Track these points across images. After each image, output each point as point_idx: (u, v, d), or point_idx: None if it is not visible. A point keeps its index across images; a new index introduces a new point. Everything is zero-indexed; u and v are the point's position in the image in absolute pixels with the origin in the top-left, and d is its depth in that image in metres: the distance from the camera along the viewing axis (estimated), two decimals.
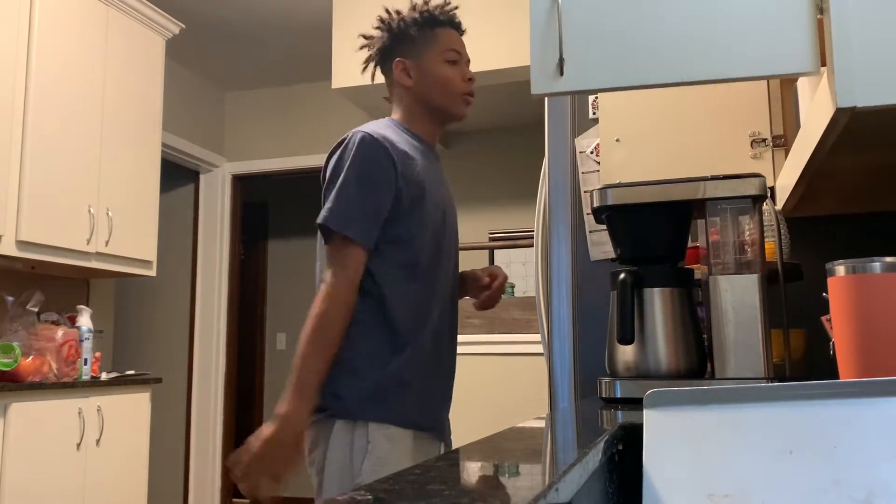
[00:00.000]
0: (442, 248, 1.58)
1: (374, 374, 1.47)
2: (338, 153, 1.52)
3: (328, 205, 1.48)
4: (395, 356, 1.48)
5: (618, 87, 0.97)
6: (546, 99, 1.93)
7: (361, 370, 1.47)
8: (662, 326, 1.23)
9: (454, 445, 1.66)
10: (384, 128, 1.56)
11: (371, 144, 1.48)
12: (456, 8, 1.68)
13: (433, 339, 1.54)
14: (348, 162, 1.48)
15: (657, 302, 1.24)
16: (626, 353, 1.24)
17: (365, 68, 1.71)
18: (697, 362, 1.24)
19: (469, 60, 1.66)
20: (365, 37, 1.69)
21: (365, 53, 1.70)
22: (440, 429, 1.57)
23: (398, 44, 1.64)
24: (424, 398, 1.52)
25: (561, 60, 0.96)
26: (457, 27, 1.66)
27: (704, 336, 1.26)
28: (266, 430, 1.44)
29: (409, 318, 1.50)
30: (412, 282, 1.52)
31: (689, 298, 1.26)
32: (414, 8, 1.64)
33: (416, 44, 1.62)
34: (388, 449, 1.42)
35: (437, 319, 1.55)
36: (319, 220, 1.47)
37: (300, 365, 1.44)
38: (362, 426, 1.43)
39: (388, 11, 1.66)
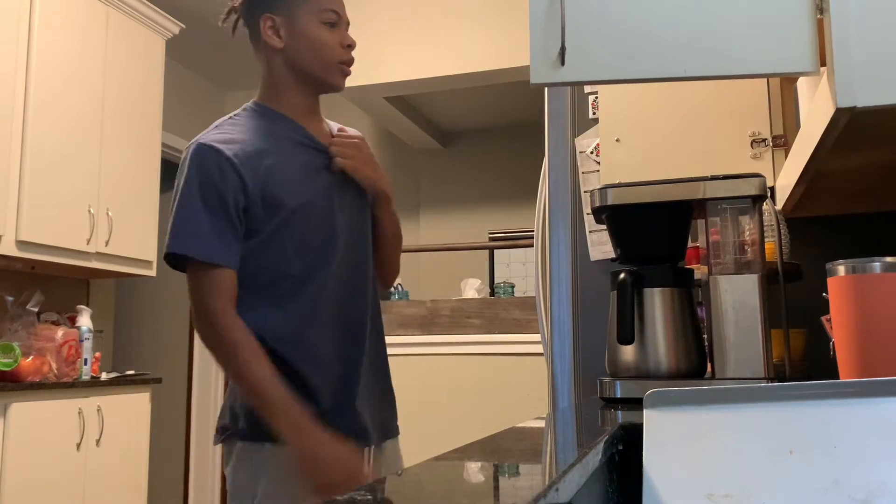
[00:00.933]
0: (309, 243, 1.38)
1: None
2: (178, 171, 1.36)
3: (173, 229, 1.31)
4: (278, 367, 1.31)
5: (618, 79, 0.97)
6: (546, 98, 1.93)
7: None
8: (662, 326, 1.23)
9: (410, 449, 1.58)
10: (231, 125, 1.39)
11: (209, 164, 1.31)
12: None
13: (328, 343, 1.37)
14: (183, 179, 1.32)
15: (657, 302, 1.24)
16: (626, 353, 1.24)
17: (224, 20, 1.47)
18: (697, 362, 1.24)
19: (348, 23, 1.44)
20: None
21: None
22: (362, 434, 1.37)
23: None
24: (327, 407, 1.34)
25: (563, 49, 0.96)
26: None
27: (704, 336, 1.26)
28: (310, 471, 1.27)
29: (283, 327, 1.35)
30: (279, 295, 1.36)
31: (690, 298, 1.26)
32: None
33: (284, 1, 1.39)
34: (287, 467, 1.27)
35: (328, 318, 1.37)
36: (168, 248, 1.31)
37: (250, 396, 1.30)
38: (259, 447, 1.30)
39: None
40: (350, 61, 1.43)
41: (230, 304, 1.34)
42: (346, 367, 1.39)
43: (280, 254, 1.35)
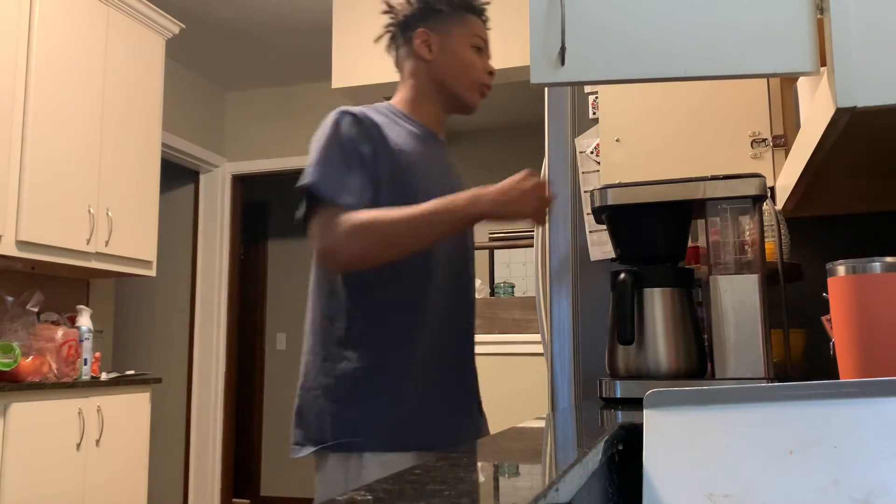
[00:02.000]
0: (441, 248, 1.43)
1: (362, 398, 1.34)
2: (317, 134, 1.42)
3: (314, 168, 1.34)
4: (384, 373, 1.35)
5: (618, 79, 0.97)
6: (546, 97, 1.93)
7: (347, 395, 1.34)
8: (662, 326, 1.23)
9: None
10: (373, 110, 1.46)
11: (347, 122, 1.39)
12: (488, 3, 1.59)
13: (434, 343, 1.41)
14: (327, 136, 1.38)
15: (657, 302, 1.24)
16: (626, 353, 1.24)
17: (380, 37, 1.59)
18: (697, 362, 1.24)
19: (490, 55, 1.57)
20: (388, 3, 1.58)
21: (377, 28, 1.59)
22: (457, 440, 1.39)
23: (426, 14, 1.53)
24: (427, 413, 1.38)
25: (563, 49, 0.96)
26: (485, 21, 1.59)
27: (704, 336, 1.26)
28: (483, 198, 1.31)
29: (397, 328, 1.38)
30: (396, 282, 1.38)
31: (689, 298, 1.26)
32: None
33: (445, 19, 1.52)
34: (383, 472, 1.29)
35: (437, 322, 1.42)
36: (307, 180, 1.33)
37: (419, 231, 1.31)
38: (356, 458, 1.31)
39: None
40: (489, 86, 1.55)
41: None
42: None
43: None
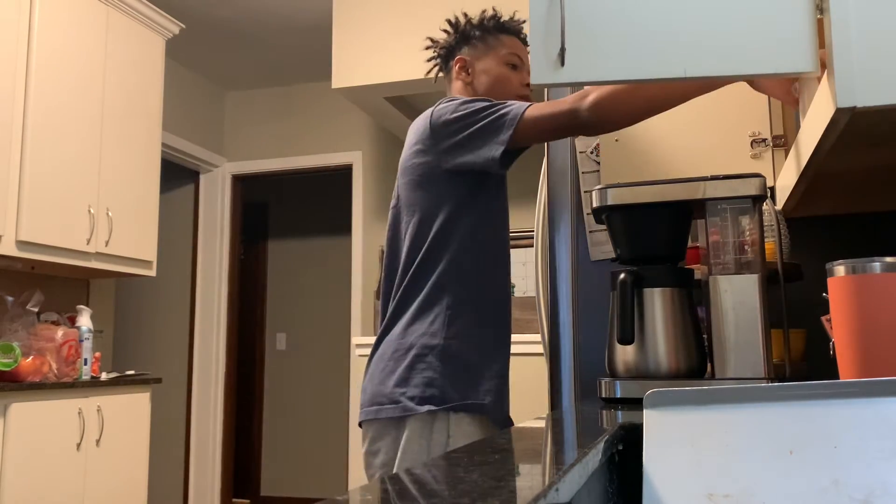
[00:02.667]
0: (505, 237, 1.63)
1: (469, 361, 1.48)
2: (448, 104, 1.55)
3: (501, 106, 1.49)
4: (488, 342, 1.53)
5: (619, 79, 0.97)
6: (546, 98, 1.93)
7: (456, 357, 1.48)
8: (662, 326, 1.23)
9: None
10: None
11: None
12: (524, 22, 1.69)
13: (506, 323, 1.59)
14: (471, 107, 1.51)
15: (657, 302, 1.24)
16: (626, 353, 1.24)
17: (430, 70, 1.79)
18: (697, 362, 1.24)
19: (530, 71, 1.65)
20: (432, 39, 1.78)
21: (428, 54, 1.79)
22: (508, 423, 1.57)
23: (462, 43, 1.71)
24: (504, 387, 1.55)
25: (563, 50, 0.96)
26: (523, 39, 1.72)
27: (704, 336, 1.26)
28: None
29: (494, 298, 1.56)
30: (494, 257, 1.57)
31: (690, 298, 1.26)
32: (483, 14, 1.72)
33: (479, 45, 1.70)
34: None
35: (507, 312, 1.60)
36: (510, 111, 1.46)
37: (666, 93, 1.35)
38: (443, 418, 1.42)
39: (456, 16, 1.74)
40: (526, 97, 1.67)
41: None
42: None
43: (497, 217, 1.60)
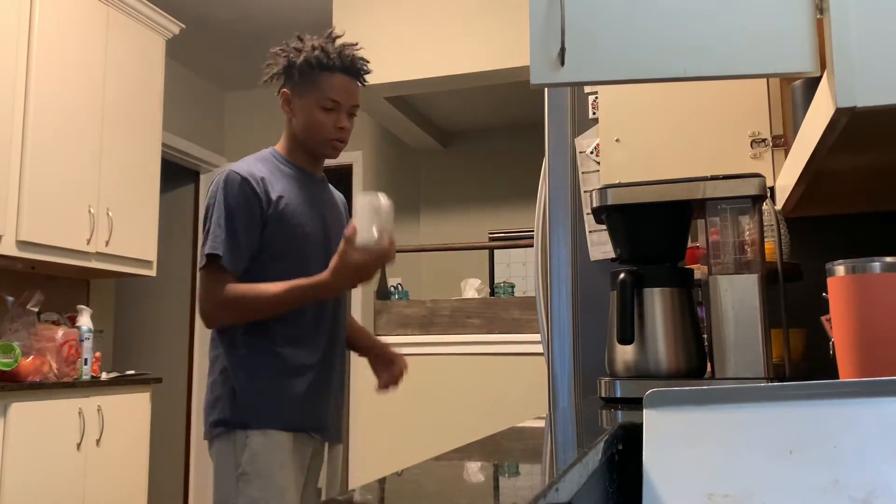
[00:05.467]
0: (309, 262, 1.72)
1: (254, 392, 1.69)
2: (210, 192, 1.73)
3: (212, 234, 1.68)
4: (264, 373, 1.70)
5: (618, 79, 0.97)
6: (546, 98, 1.93)
7: (244, 391, 1.69)
8: (662, 326, 1.23)
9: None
10: (254, 161, 1.75)
11: (234, 183, 1.69)
12: (357, 50, 1.80)
13: (307, 351, 1.74)
14: (216, 202, 1.69)
15: (657, 302, 1.24)
16: (625, 353, 1.24)
17: (264, 82, 1.86)
18: (697, 362, 1.24)
19: (354, 106, 1.79)
20: (270, 54, 1.82)
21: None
22: (322, 429, 1.76)
23: (287, 76, 1.79)
24: (302, 405, 1.72)
25: (562, 50, 0.96)
26: (353, 73, 1.78)
27: (704, 336, 1.26)
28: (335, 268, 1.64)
29: (283, 332, 1.71)
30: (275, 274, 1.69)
31: (689, 298, 1.26)
32: (313, 44, 1.76)
33: (299, 82, 1.77)
34: (263, 442, 1.64)
35: (312, 326, 1.75)
36: (207, 250, 1.66)
37: (279, 307, 1.68)
38: (241, 433, 1.66)
39: (292, 41, 1.79)
40: (341, 139, 1.79)
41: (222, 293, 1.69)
42: (324, 371, 1.77)
43: (286, 264, 1.71)
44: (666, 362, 1.22)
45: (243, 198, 1.68)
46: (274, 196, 1.71)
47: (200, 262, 1.69)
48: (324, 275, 1.63)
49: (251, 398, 1.68)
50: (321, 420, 1.76)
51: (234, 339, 1.71)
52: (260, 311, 1.67)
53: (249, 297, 1.65)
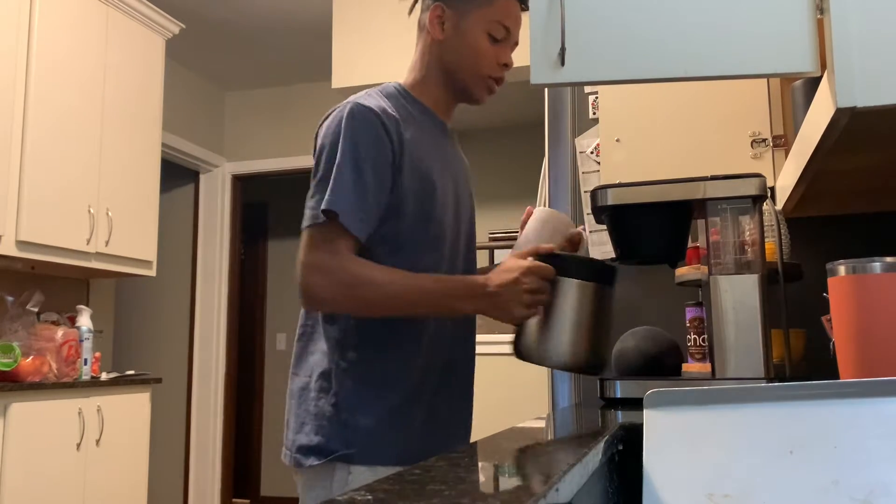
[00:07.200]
0: (441, 241, 1.34)
1: (360, 412, 1.25)
2: (327, 127, 1.31)
3: (332, 186, 1.24)
4: (380, 388, 1.26)
5: (618, 79, 0.97)
6: (546, 98, 1.93)
7: (342, 403, 1.25)
8: (568, 317, 1.19)
9: None
10: (380, 97, 1.35)
11: (366, 123, 1.27)
12: None
13: (433, 351, 1.31)
14: (336, 142, 1.27)
15: (570, 293, 1.19)
16: (529, 335, 1.21)
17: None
18: (594, 359, 1.20)
19: (517, 44, 1.40)
20: None
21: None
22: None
23: None
24: (421, 430, 1.29)
25: (563, 50, 0.96)
26: (522, 4, 1.39)
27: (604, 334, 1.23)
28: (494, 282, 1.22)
29: (394, 332, 1.28)
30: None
31: (605, 295, 1.22)
32: None
33: None
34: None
35: (434, 327, 1.32)
36: (324, 205, 1.22)
37: (413, 307, 1.23)
38: (342, 467, 1.23)
39: None
40: (500, 80, 1.39)
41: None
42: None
43: (413, 241, 1.30)
44: (562, 352, 1.19)
45: (375, 138, 1.26)
46: (407, 144, 1.29)
47: (308, 220, 1.24)
48: (484, 279, 1.21)
49: (363, 420, 1.25)
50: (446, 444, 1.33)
51: (346, 333, 1.28)
52: (389, 307, 1.23)
53: (381, 282, 1.21)
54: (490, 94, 1.41)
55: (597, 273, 1.22)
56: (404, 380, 1.27)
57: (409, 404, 1.27)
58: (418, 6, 1.44)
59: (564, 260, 1.22)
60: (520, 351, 1.24)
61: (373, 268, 1.22)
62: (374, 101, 1.30)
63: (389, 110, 1.30)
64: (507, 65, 1.39)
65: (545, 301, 1.20)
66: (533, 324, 1.21)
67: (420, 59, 1.43)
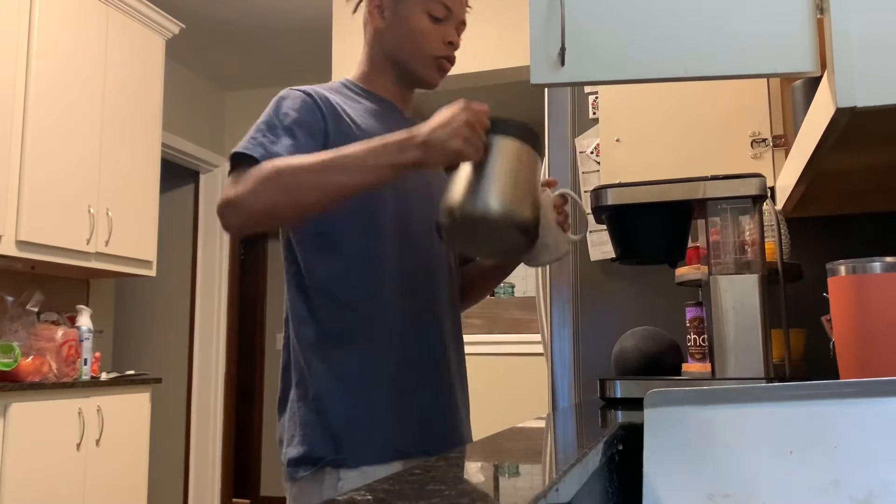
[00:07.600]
0: (409, 221, 1.29)
1: (333, 409, 1.22)
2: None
3: (245, 139, 1.24)
4: (356, 385, 1.22)
5: (618, 79, 0.97)
6: (546, 98, 1.93)
7: (321, 407, 1.23)
8: (502, 168, 1.10)
9: None
10: (327, 88, 1.32)
11: (293, 96, 1.26)
12: None
13: (406, 346, 1.27)
14: (267, 109, 1.27)
15: (505, 150, 1.11)
16: (456, 191, 1.08)
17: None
18: (528, 212, 1.08)
19: (463, 22, 1.37)
20: None
21: None
22: (445, 448, 1.25)
23: None
24: (404, 425, 1.24)
25: (563, 50, 0.96)
26: None
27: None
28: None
29: (357, 330, 1.24)
30: (344, 282, 1.24)
31: (537, 161, 1.15)
32: None
33: None
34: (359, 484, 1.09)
35: (399, 324, 1.27)
36: (236, 149, 1.21)
37: (341, 174, 1.11)
38: (332, 472, 1.19)
39: None
40: (449, 59, 1.35)
41: None
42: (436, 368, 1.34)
43: (356, 232, 1.26)
44: (496, 203, 1.06)
45: (301, 104, 1.24)
46: (346, 123, 1.26)
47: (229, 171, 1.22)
48: (417, 126, 1.11)
49: (343, 420, 1.21)
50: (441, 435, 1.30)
51: (318, 336, 1.25)
52: (320, 186, 1.11)
53: (299, 162, 1.13)
54: (442, 75, 1.36)
55: (529, 135, 1.14)
56: (380, 375, 1.24)
57: (389, 400, 1.23)
58: (362, 6, 1.42)
59: (500, 119, 1.14)
60: (447, 213, 1.09)
61: (286, 157, 1.16)
62: (309, 87, 1.29)
63: (324, 92, 1.28)
64: (453, 43, 1.35)
65: (482, 141, 1.10)
66: (463, 177, 1.09)
67: (366, 51, 1.40)
